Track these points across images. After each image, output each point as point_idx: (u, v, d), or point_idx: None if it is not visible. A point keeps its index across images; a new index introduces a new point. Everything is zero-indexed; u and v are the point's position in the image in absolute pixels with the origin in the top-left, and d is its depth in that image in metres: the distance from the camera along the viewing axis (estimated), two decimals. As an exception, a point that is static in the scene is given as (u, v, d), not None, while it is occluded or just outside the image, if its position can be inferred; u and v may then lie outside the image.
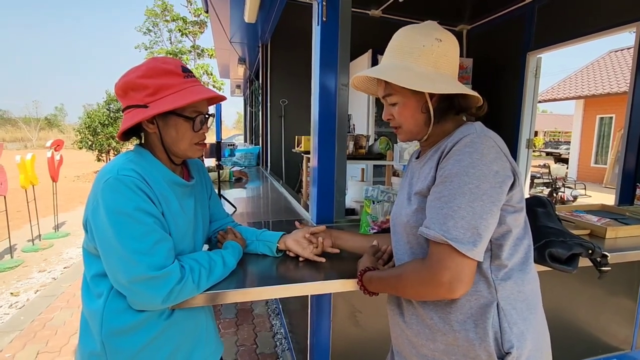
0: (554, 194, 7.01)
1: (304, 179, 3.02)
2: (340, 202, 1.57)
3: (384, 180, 2.98)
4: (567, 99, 12.03)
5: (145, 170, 0.85)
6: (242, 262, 1.08)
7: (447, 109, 0.82)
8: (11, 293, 3.17)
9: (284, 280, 0.99)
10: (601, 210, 1.82)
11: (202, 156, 1.19)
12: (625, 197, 2.29)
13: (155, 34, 22.53)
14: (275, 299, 2.81)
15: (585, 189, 7.97)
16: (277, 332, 2.47)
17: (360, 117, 3.83)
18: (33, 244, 4.44)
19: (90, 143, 12.00)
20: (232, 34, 4.08)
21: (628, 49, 11.73)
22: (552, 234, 1.03)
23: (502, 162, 0.71)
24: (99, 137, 11.97)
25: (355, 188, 2.59)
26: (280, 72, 4.09)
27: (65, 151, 5.73)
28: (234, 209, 1.97)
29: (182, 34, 21.84)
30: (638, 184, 2.20)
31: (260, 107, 4.70)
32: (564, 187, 7.31)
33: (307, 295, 1.47)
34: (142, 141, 0.94)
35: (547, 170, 7.73)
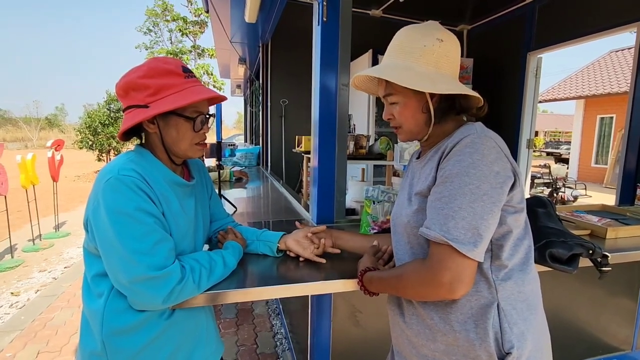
0: (555, 194, 7.01)
1: (304, 179, 3.02)
2: (340, 202, 1.57)
3: (385, 180, 2.98)
4: (567, 99, 12.02)
5: (146, 170, 0.85)
6: (242, 262, 1.08)
7: (447, 109, 0.82)
8: (12, 293, 3.17)
9: (284, 281, 0.99)
10: (602, 211, 1.82)
11: (202, 156, 1.19)
12: (625, 197, 2.29)
13: (155, 33, 22.55)
14: (275, 299, 2.81)
15: (585, 189, 7.96)
16: (277, 332, 2.47)
17: (361, 117, 3.83)
18: (33, 244, 4.44)
19: (90, 143, 12.01)
20: (233, 34, 4.08)
21: (629, 49, 11.72)
22: (552, 234, 1.03)
23: (503, 162, 0.71)
24: (100, 137, 11.97)
25: (356, 188, 2.60)
26: (280, 72, 4.09)
27: (65, 151, 5.73)
28: (235, 209, 1.97)
29: (182, 34, 21.84)
30: (638, 184, 2.20)
31: (260, 107, 4.70)
32: (565, 187, 7.30)
33: (308, 296, 1.48)
34: (143, 141, 0.94)
35: (548, 171, 7.73)
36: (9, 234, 3.96)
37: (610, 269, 1.02)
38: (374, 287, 0.89)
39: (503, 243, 0.74)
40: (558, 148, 18.96)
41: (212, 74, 20.87)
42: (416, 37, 0.80)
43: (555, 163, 12.16)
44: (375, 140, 2.84)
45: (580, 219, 1.54)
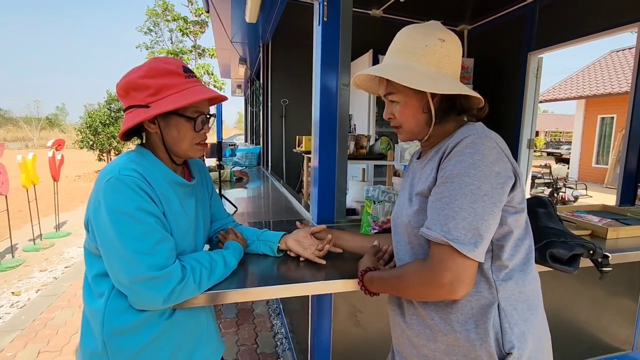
0: (555, 194, 7.00)
1: (304, 179, 3.02)
2: (341, 202, 1.57)
3: (385, 180, 2.98)
4: (568, 99, 12.01)
5: (147, 170, 0.85)
6: (243, 262, 1.08)
7: (448, 110, 0.82)
8: (12, 292, 3.18)
9: (284, 280, 0.99)
10: (602, 211, 1.82)
11: (203, 156, 1.19)
12: (626, 197, 2.29)
13: (156, 33, 22.57)
14: (276, 299, 2.81)
15: (586, 189, 7.95)
16: (277, 332, 2.47)
17: (361, 117, 3.83)
18: (34, 244, 4.45)
19: (91, 143, 12.01)
20: (233, 34, 4.08)
21: (629, 49, 11.71)
22: (553, 234, 1.03)
23: (504, 163, 0.71)
24: (100, 136, 11.98)
25: (356, 188, 2.59)
26: (281, 72, 4.09)
27: (66, 151, 5.74)
28: (235, 209, 1.97)
29: (183, 34, 21.85)
30: (639, 184, 2.20)
31: (261, 107, 4.70)
32: (565, 187, 7.29)
33: (308, 296, 1.48)
34: (144, 141, 0.94)
35: (548, 171, 7.71)
36: (10, 234, 3.96)
37: (610, 269, 1.02)
38: (375, 287, 0.89)
39: (504, 243, 0.74)
40: (559, 148, 18.95)
41: (212, 74, 20.88)
42: (418, 37, 0.79)
43: (556, 163, 12.16)
44: (376, 140, 2.84)
45: (580, 219, 1.54)
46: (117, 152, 12.28)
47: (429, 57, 0.78)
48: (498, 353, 0.70)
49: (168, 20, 21.85)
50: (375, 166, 3.71)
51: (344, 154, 1.56)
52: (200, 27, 21.73)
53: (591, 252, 1.01)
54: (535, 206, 1.15)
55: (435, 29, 0.80)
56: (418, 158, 0.91)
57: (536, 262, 0.93)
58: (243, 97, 9.18)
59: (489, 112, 0.84)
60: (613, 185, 9.53)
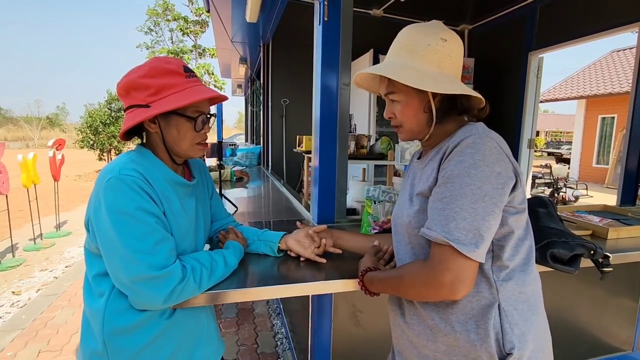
0: (556, 194, 7.00)
1: (305, 179, 3.02)
2: (341, 202, 1.57)
3: (385, 180, 2.98)
4: (568, 99, 12.01)
5: (147, 170, 0.85)
6: (243, 261, 1.08)
7: (449, 110, 0.81)
8: (13, 292, 3.18)
9: (285, 280, 0.99)
10: (603, 211, 1.81)
11: (203, 156, 1.19)
12: (627, 197, 2.28)
13: (156, 33, 22.60)
14: (276, 298, 2.81)
15: (586, 189, 7.95)
16: (278, 332, 2.47)
17: (362, 117, 3.83)
18: (35, 243, 4.45)
19: (91, 142, 12.02)
20: (234, 34, 4.08)
21: (630, 48, 11.70)
22: (553, 234, 1.03)
23: (504, 163, 0.71)
24: (101, 136, 11.99)
25: (357, 188, 2.59)
26: (281, 72, 4.09)
27: (66, 150, 5.74)
28: (235, 209, 1.97)
29: (183, 34, 21.87)
30: (640, 184, 2.19)
31: (261, 106, 4.70)
32: (566, 187, 7.29)
33: (308, 295, 1.48)
34: (144, 141, 0.94)
35: (549, 171, 7.71)
36: (10, 233, 3.96)
37: (611, 269, 1.02)
38: (375, 287, 0.89)
39: (504, 244, 0.74)
40: (559, 148, 18.95)
41: (213, 74, 20.90)
42: (420, 36, 0.79)
43: (557, 163, 12.16)
44: (376, 140, 2.84)
45: (581, 219, 1.54)
46: (117, 152, 12.29)
47: (430, 57, 0.78)
48: (498, 353, 0.70)
49: (168, 20, 21.87)
50: (376, 166, 3.71)
51: (344, 154, 1.56)
52: (200, 27, 21.74)
53: (592, 252, 1.01)
54: (536, 206, 1.15)
55: (437, 29, 0.80)
56: (419, 158, 0.90)
57: (537, 262, 0.93)
58: (243, 97, 9.19)
59: (489, 112, 0.84)
60: (614, 186, 9.53)
